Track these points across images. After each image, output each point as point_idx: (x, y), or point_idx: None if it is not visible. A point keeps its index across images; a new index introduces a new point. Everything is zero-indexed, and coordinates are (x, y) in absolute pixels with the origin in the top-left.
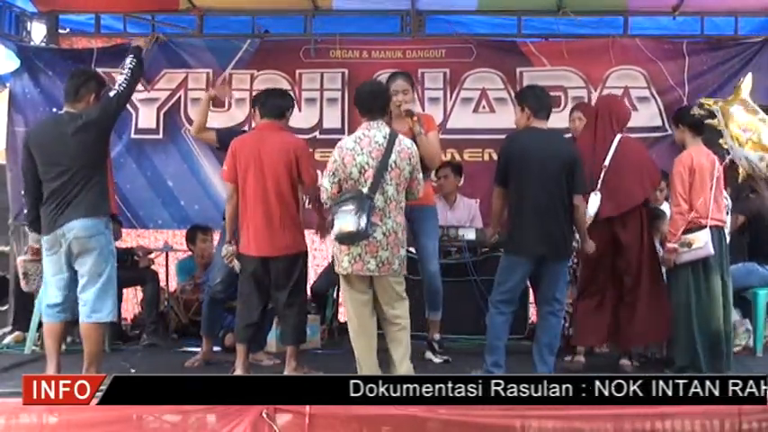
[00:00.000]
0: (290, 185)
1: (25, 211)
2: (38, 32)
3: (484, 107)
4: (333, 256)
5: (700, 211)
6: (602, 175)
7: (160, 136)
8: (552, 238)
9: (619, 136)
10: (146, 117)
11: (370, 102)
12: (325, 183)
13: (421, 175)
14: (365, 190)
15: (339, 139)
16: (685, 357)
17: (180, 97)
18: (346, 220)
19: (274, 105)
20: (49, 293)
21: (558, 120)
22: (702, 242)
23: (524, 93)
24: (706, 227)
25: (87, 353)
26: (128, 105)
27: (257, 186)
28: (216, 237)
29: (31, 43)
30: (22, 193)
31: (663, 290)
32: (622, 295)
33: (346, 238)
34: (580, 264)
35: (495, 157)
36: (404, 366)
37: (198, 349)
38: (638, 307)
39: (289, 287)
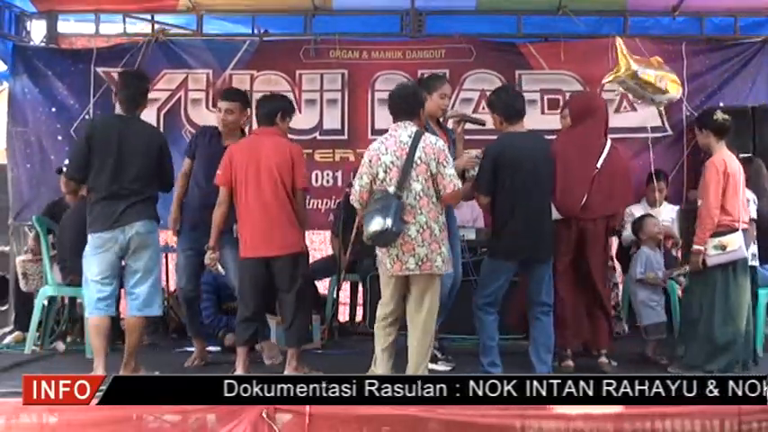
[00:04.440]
0: (287, 187)
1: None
2: (38, 32)
3: (483, 108)
4: (333, 253)
5: (732, 215)
6: (594, 175)
7: None
8: (541, 240)
9: (609, 142)
10: (146, 118)
11: (397, 105)
12: (355, 185)
13: (451, 171)
14: (392, 189)
15: (339, 140)
16: (698, 357)
17: (180, 98)
18: (373, 221)
19: (266, 112)
20: (93, 288)
21: (556, 121)
22: (737, 245)
23: (492, 100)
24: (738, 230)
25: (129, 344)
26: None
27: (256, 189)
28: None
29: (31, 43)
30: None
31: (606, 297)
32: (578, 296)
33: (376, 238)
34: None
35: None
36: (420, 372)
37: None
38: (586, 310)
39: (293, 288)
